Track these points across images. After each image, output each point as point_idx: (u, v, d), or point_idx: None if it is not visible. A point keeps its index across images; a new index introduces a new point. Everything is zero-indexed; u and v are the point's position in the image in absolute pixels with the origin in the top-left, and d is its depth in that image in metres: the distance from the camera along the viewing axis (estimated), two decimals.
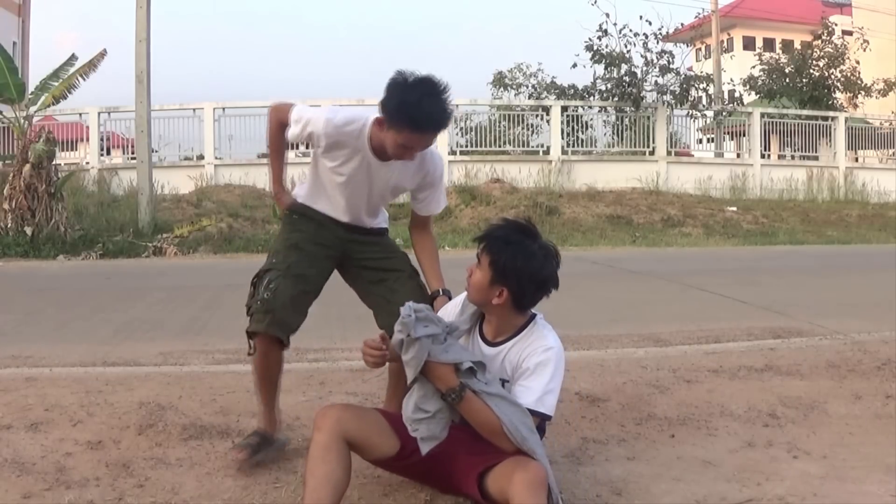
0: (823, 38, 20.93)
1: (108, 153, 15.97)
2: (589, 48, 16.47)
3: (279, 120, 2.61)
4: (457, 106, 16.43)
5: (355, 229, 2.69)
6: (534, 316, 2.33)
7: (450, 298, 2.57)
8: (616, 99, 16.56)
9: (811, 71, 20.30)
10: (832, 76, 20.39)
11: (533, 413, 2.17)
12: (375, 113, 2.46)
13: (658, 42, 16.59)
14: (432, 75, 2.34)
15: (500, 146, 16.55)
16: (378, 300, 2.65)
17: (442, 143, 15.68)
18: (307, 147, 2.60)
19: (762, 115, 17.60)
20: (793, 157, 18.50)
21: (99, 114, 15.17)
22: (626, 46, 16.43)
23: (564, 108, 16.45)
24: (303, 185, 2.74)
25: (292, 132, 2.56)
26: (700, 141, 18.68)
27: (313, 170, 2.65)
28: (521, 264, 2.19)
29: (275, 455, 2.63)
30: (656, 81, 16.48)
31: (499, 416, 2.10)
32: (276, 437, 2.66)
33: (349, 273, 2.75)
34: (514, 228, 2.27)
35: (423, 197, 2.70)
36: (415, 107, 2.29)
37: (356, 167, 2.54)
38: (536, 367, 2.20)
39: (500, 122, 17.12)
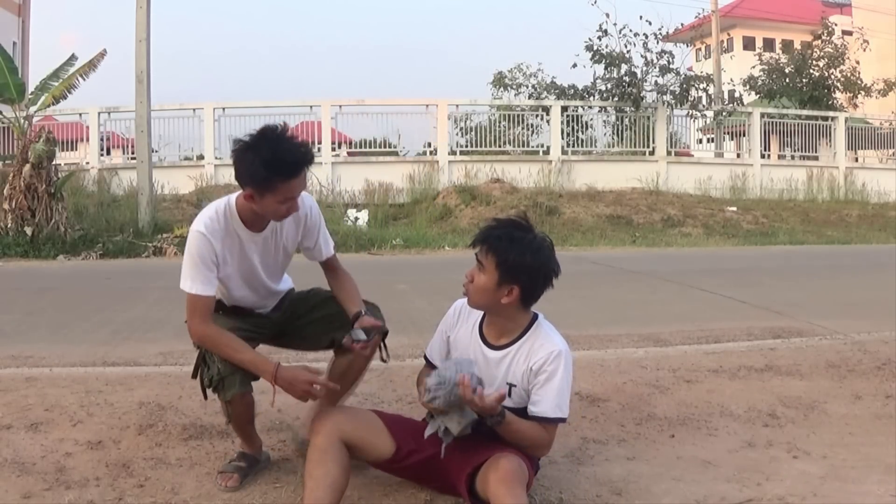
0: (823, 38, 20.95)
1: (108, 153, 15.95)
2: (589, 48, 16.47)
3: (197, 318, 2.38)
4: (457, 106, 16.46)
5: (280, 303, 2.69)
6: (536, 316, 2.33)
7: (374, 316, 2.55)
8: (616, 99, 16.56)
9: (811, 71, 20.32)
10: (832, 76, 20.40)
11: (555, 420, 2.23)
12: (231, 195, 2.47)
13: (658, 42, 16.61)
14: (265, 125, 2.35)
15: (500, 146, 16.54)
16: (335, 320, 2.59)
17: (442, 143, 15.72)
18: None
19: (762, 115, 17.60)
20: (793, 157, 18.49)
21: (99, 114, 15.17)
22: (626, 46, 16.47)
23: (564, 108, 16.45)
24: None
25: (206, 289, 2.38)
26: (700, 141, 18.67)
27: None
28: (530, 259, 2.19)
29: (262, 471, 2.61)
30: (656, 81, 16.49)
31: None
32: (260, 456, 2.63)
33: (288, 331, 2.69)
34: (511, 225, 2.26)
35: (312, 244, 2.62)
36: (275, 158, 2.27)
37: (239, 251, 2.47)
38: (551, 374, 2.23)
39: (500, 122, 17.11)
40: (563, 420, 2.26)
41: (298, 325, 2.68)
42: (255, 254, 2.51)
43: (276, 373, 2.28)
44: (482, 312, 2.34)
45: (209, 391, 2.44)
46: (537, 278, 2.22)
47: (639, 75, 16.43)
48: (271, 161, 2.26)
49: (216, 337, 2.37)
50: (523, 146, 17.11)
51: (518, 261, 2.18)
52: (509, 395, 2.27)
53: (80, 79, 11.09)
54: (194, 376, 2.47)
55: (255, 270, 2.54)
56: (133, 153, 12.91)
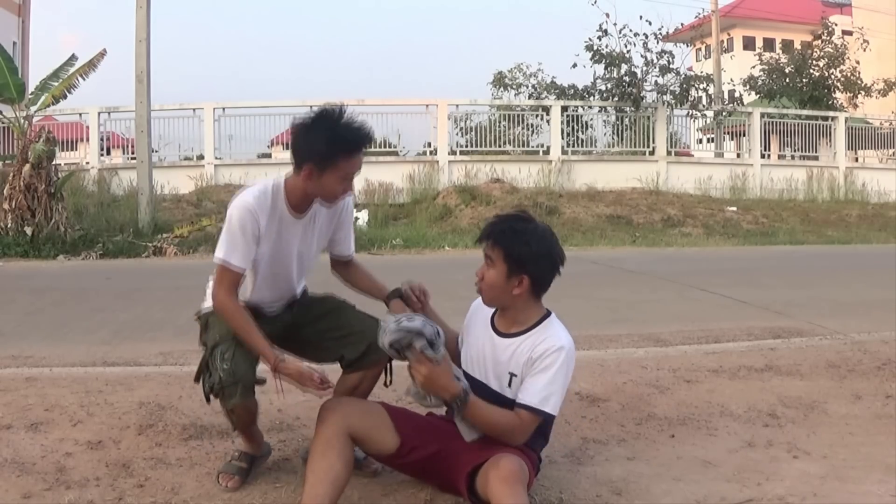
0: (823, 38, 20.95)
1: (108, 153, 15.94)
2: (589, 48, 16.46)
3: (224, 289, 2.36)
4: (457, 106, 16.45)
5: (292, 304, 2.62)
6: (549, 313, 2.35)
7: (402, 298, 2.56)
8: (616, 99, 16.56)
9: (811, 71, 20.32)
10: (832, 76, 20.40)
11: (536, 412, 2.20)
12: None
13: (658, 42, 16.59)
14: (324, 106, 2.38)
15: (500, 146, 16.53)
16: (346, 337, 2.55)
17: (442, 143, 15.71)
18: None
19: (762, 115, 17.59)
20: (793, 157, 18.49)
21: (99, 114, 15.15)
22: (626, 46, 16.45)
23: (564, 108, 16.44)
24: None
25: (242, 262, 2.34)
26: (700, 141, 18.67)
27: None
28: (535, 248, 2.24)
29: (263, 471, 2.60)
30: (656, 81, 16.47)
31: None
32: (261, 452, 2.62)
33: (297, 338, 2.58)
34: (514, 218, 2.31)
35: (340, 238, 2.62)
36: (338, 134, 2.30)
37: (277, 233, 2.41)
38: (547, 366, 2.22)
39: (500, 122, 17.10)
40: (543, 414, 2.21)
41: (305, 332, 2.60)
42: (296, 239, 2.48)
43: (275, 364, 2.29)
44: None
45: (211, 397, 2.42)
46: (544, 266, 2.26)
47: (639, 75, 16.42)
48: (335, 137, 2.29)
49: (236, 312, 2.36)
50: (523, 146, 17.10)
51: (523, 250, 2.22)
52: (509, 384, 2.28)
53: (80, 79, 11.07)
54: (197, 380, 2.45)
55: (290, 258, 2.49)
56: (133, 153, 12.89)
